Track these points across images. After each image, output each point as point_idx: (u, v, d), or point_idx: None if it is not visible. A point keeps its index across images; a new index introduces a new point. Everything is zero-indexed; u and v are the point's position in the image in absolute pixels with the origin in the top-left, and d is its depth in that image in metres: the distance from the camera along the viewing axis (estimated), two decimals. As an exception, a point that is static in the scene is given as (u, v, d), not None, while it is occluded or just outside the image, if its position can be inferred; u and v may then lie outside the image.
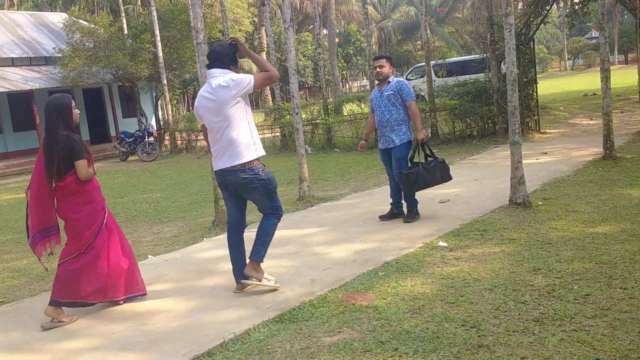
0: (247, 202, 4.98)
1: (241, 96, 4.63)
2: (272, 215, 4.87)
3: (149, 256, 6.47)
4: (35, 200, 4.66)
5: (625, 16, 52.40)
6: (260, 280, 4.81)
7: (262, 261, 4.84)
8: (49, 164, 4.59)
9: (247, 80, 4.61)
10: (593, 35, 58.18)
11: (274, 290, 4.79)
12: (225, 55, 4.74)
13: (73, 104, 4.78)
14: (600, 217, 5.88)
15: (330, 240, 6.20)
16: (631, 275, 4.21)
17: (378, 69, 6.61)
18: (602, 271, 4.36)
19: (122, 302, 4.86)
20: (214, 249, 6.44)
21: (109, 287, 4.73)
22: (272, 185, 4.77)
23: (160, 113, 24.11)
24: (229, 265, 5.62)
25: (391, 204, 6.90)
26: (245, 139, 4.63)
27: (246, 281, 4.80)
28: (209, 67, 4.78)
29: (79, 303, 4.67)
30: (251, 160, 4.61)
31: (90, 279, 4.64)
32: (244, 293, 4.81)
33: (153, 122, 23.55)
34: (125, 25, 22.09)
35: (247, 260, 4.84)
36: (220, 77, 4.64)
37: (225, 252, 6.14)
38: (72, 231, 4.67)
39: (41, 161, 4.65)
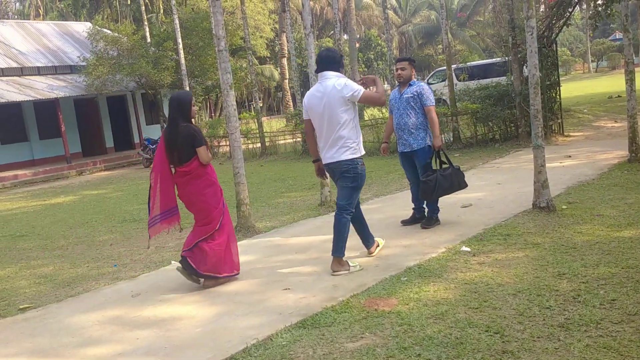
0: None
1: (350, 100, 5.14)
2: (344, 211, 5.36)
3: (172, 262, 6.51)
4: (161, 185, 5.25)
5: (651, 17, 51.60)
6: (348, 270, 5.28)
7: (343, 255, 5.34)
8: (170, 152, 5.20)
9: (357, 89, 5.13)
10: (617, 37, 57.35)
11: (357, 270, 5.30)
12: (337, 60, 5.31)
13: (193, 100, 5.39)
14: (626, 221, 5.80)
15: (352, 246, 6.16)
16: (659, 280, 4.15)
17: (399, 71, 6.54)
18: (629, 276, 4.30)
19: (234, 275, 5.44)
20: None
21: (225, 262, 5.32)
22: (361, 182, 5.35)
23: (182, 120, 24.29)
24: (250, 271, 5.67)
25: (413, 208, 6.87)
26: (351, 137, 5.21)
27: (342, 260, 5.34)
28: (320, 70, 5.31)
29: (199, 274, 5.27)
30: (354, 158, 5.22)
31: (224, 253, 5.29)
32: (266, 299, 4.83)
33: (176, 129, 23.74)
34: (148, 34, 22.38)
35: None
36: (333, 79, 5.21)
37: (247, 257, 6.21)
38: (201, 212, 5.26)
39: (162, 149, 5.25)
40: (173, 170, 5.28)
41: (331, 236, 6.67)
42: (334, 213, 8.03)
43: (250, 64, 20.31)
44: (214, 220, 5.25)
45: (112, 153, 23.86)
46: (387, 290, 4.60)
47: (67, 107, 22.40)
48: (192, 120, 5.35)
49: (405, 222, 6.85)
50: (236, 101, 9.22)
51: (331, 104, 5.15)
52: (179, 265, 5.35)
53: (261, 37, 32.88)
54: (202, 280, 5.35)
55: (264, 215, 8.71)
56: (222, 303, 4.89)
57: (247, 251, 6.56)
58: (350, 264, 5.35)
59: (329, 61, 5.28)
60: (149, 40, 22.10)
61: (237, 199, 7.61)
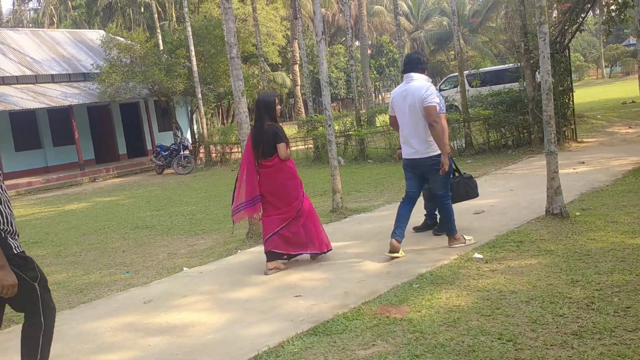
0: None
1: (422, 104, 5.56)
2: (443, 198, 5.88)
3: (184, 268, 6.54)
4: (247, 177, 5.88)
5: (665, 22, 51.18)
6: (464, 243, 5.88)
7: (456, 233, 5.92)
8: (256, 147, 5.83)
9: (434, 101, 5.54)
10: (631, 42, 56.85)
11: (472, 243, 5.87)
12: (423, 62, 5.81)
13: (277, 100, 6.04)
14: (641, 227, 5.74)
15: (363, 252, 6.18)
16: (674, 288, 4.10)
17: None
18: (644, 283, 4.25)
19: (325, 253, 6.03)
20: (248, 261, 6.48)
21: (313, 242, 5.92)
22: (450, 171, 5.87)
23: (195, 126, 24.45)
24: (262, 278, 5.68)
25: (425, 215, 6.85)
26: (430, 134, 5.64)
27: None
28: (407, 71, 5.77)
29: (291, 255, 5.98)
30: (437, 153, 5.63)
31: (302, 235, 5.87)
32: (277, 306, 4.83)
33: (188, 136, 23.89)
34: (160, 41, 22.53)
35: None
36: (419, 80, 5.68)
37: (257, 264, 6.21)
38: (282, 201, 5.87)
39: (249, 146, 5.89)
40: (258, 163, 5.90)
41: (343, 242, 6.69)
42: (345, 219, 8.09)
43: (262, 70, 20.39)
44: (292, 209, 5.86)
45: (124, 160, 24.01)
46: (398, 297, 4.58)
47: (81, 114, 22.58)
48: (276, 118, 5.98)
49: (417, 229, 6.81)
50: (249, 108, 9.26)
51: (414, 103, 5.59)
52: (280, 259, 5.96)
53: (273, 44, 32.98)
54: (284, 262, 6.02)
55: (275, 221, 8.71)
56: (233, 310, 4.90)
57: (257, 258, 6.56)
58: (466, 237, 5.91)
59: (416, 63, 5.75)
60: (161, 47, 22.25)
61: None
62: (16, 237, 3.37)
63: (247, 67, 31.63)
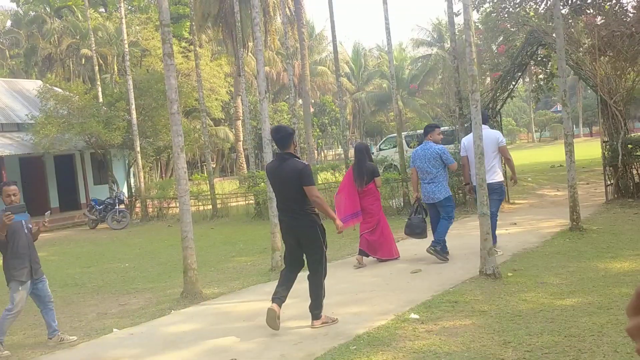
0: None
1: (499, 145, 7.96)
2: (493, 217, 7.51)
3: (114, 330, 6.27)
4: (348, 197, 8.24)
5: (589, 90, 54.50)
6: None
7: (495, 242, 7.43)
8: (360, 179, 8.19)
9: (503, 144, 8.07)
10: (558, 109, 59.93)
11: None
12: (487, 116, 8.32)
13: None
14: (569, 289, 5.93)
15: (301, 313, 6.10)
16: (599, 349, 4.22)
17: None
18: (571, 344, 4.36)
19: (396, 258, 8.35)
20: (182, 322, 6.28)
21: (390, 249, 8.35)
22: (503, 195, 8.48)
23: (132, 180, 23.96)
24: (195, 339, 5.51)
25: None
26: (499, 165, 8.06)
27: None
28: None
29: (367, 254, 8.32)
30: (502, 180, 8.07)
31: (381, 242, 8.29)
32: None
33: (125, 189, 23.34)
34: (100, 94, 22.25)
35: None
36: (490, 130, 7.99)
37: (192, 325, 6.04)
38: (368, 216, 8.27)
39: (350, 177, 8.34)
40: (359, 189, 8.21)
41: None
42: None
43: (204, 125, 20.37)
44: (373, 222, 8.26)
45: (56, 213, 23.12)
46: (335, 360, 4.52)
47: (12, 165, 21.79)
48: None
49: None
50: (189, 161, 9.18)
51: (490, 145, 7.69)
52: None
53: (216, 99, 33.08)
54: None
55: (212, 280, 8.54)
56: (164, 373, 4.71)
57: (192, 319, 6.38)
58: (497, 250, 7.43)
59: (485, 118, 7.49)
60: (101, 100, 21.96)
61: (184, 264, 7.45)
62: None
63: (189, 121, 31.54)
